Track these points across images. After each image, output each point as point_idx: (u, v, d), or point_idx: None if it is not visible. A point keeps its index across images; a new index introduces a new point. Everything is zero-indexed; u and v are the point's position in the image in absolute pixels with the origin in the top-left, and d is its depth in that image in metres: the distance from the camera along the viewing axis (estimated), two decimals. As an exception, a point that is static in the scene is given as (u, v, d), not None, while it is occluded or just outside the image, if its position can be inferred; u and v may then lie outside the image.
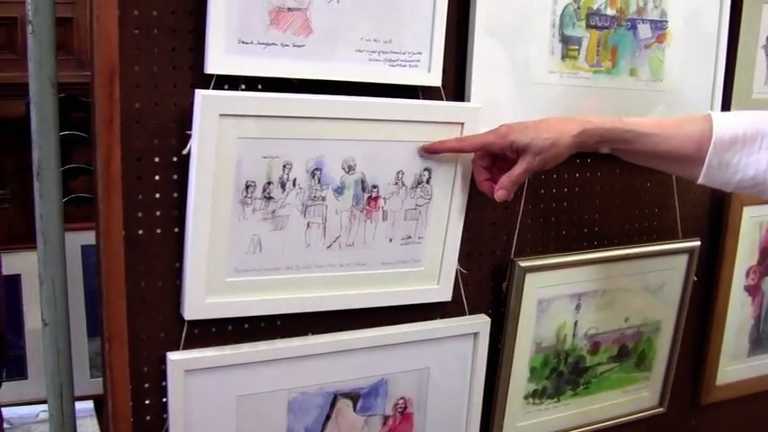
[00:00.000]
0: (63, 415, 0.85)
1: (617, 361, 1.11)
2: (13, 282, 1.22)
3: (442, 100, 0.90)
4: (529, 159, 0.85)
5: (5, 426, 1.18)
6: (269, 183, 0.83)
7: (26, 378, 1.24)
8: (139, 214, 0.81)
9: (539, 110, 0.96)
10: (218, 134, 0.78)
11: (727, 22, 1.06)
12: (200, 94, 0.77)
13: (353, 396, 0.91)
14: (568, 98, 0.98)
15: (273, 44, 0.80)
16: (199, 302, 0.83)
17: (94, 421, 1.18)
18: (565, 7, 0.96)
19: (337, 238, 0.88)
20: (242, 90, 0.80)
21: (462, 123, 0.90)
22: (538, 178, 1.02)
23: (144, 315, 0.82)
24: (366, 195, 0.88)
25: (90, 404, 1.21)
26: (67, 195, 0.99)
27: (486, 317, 1.00)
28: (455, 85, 0.92)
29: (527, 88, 0.96)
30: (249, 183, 0.82)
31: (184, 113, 0.79)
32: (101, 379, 0.82)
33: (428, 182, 0.91)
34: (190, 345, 0.84)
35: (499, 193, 0.86)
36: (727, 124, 0.83)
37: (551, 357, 1.06)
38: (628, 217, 1.08)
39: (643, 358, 1.13)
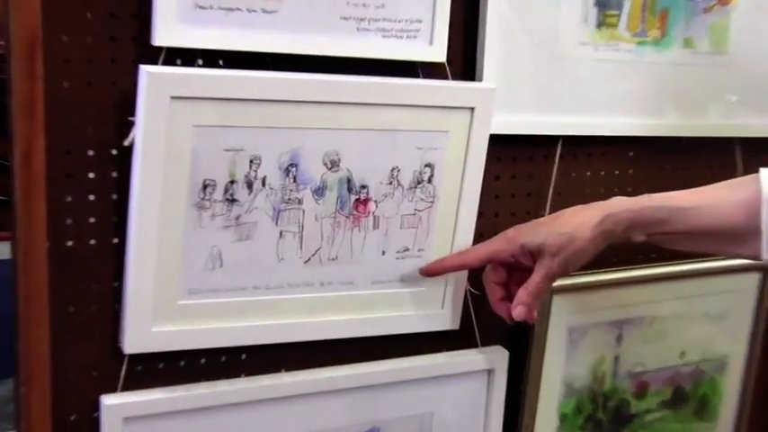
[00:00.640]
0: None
1: (671, 407, 1.12)
2: None
3: (448, 79, 0.91)
4: (546, 263, 0.86)
5: None
6: (232, 182, 0.83)
7: None
8: (68, 221, 0.80)
9: (567, 91, 0.97)
10: (168, 121, 0.77)
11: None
12: (145, 71, 0.76)
13: (338, 450, 0.93)
14: (605, 77, 0.99)
15: (238, 9, 0.79)
16: (143, 332, 0.83)
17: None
18: (600, -39, 0.97)
19: (317, 250, 0.88)
20: (199, 67, 0.80)
21: (472, 109, 0.91)
22: (567, 177, 1.05)
23: (72, 348, 0.82)
24: (353, 198, 0.89)
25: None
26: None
27: (504, 350, 1.01)
28: (463, 60, 0.93)
29: (553, 65, 0.97)
30: (207, 182, 0.82)
31: (126, 96, 0.79)
32: (12, 433, 0.81)
33: (430, 180, 0.92)
34: (131, 385, 0.84)
35: (517, 311, 0.87)
36: None
37: (586, 401, 1.07)
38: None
39: (705, 404, 1.14)
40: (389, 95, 0.86)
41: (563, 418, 1.05)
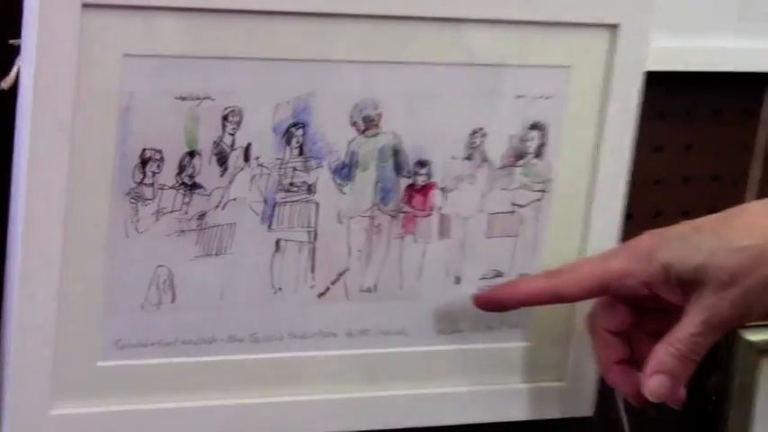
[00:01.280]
0: None
1: None
2: None
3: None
4: (709, 301, 0.82)
5: None
6: (191, 153, 0.80)
7: None
8: None
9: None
10: (79, 46, 0.75)
11: None
12: (37, -43, 0.76)
13: None
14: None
15: None
16: (34, 417, 0.80)
17: None
18: None
19: (341, 275, 0.86)
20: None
21: (614, 26, 0.88)
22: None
23: None
24: (404, 183, 0.86)
25: None
26: None
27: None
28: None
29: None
30: (149, 154, 0.79)
31: (1, 2, 0.77)
32: None
33: (539, 153, 0.89)
34: None
35: (653, 384, 0.83)
36: None
37: None
38: None
39: None
40: (469, 4, 0.84)
41: None
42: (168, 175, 0.79)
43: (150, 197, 0.79)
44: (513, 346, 0.92)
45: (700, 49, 0.97)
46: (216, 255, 0.82)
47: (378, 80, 0.83)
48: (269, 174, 0.82)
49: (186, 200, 0.80)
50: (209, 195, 0.80)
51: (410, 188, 0.86)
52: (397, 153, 0.85)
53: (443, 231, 0.87)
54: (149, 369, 0.82)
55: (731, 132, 1.03)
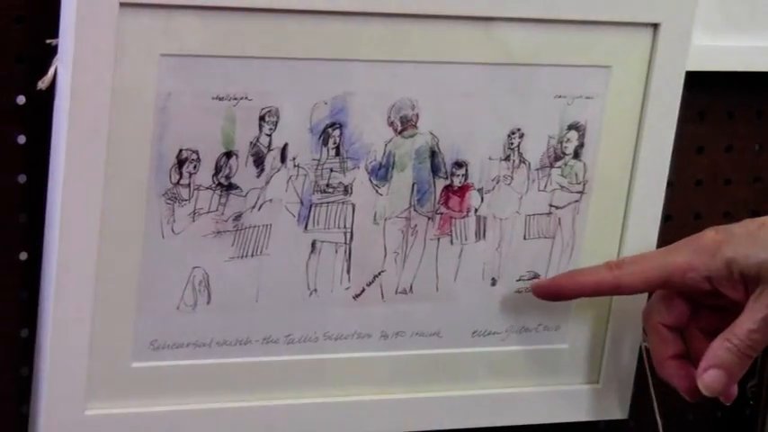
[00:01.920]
0: None
1: None
2: None
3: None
4: None
5: None
6: (228, 154, 0.80)
7: None
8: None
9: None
10: (117, 46, 0.75)
11: None
12: (76, -42, 0.76)
13: None
14: None
15: None
16: (69, 417, 0.80)
17: None
18: None
19: (377, 276, 0.86)
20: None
21: (655, 26, 0.88)
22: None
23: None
24: (441, 184, 0.86)
25: None
26: None
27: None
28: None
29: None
30: (185, 154, 0.79)
31: (41, 4, 0.77)
32: None
33: (577, 154, 0.89)
34: None
35: (708, 378, 0.83)
36: None
37: None
38: None
39: None
40: (508, 2, 0.84)
41: None
42: (205, 175, 0.79)
43: (186, 198, 0.79)
44: (548, 348, 0.92)
45: (741, 49, 0.97)
46: (252, 256, 0.82)
47: (415, 80, 0.83)
48: (305, 174, 0.82)
49: (222, 200, 0.80)
50: (245, 196, 0.80)
51: (447, 189, 0.85)
52: (434, 154, 0.85)
53: (480, 233, 0.87)
54: (184, 370, 0.82)
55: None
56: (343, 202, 0.83)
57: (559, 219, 0.89)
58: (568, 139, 0.88)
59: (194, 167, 0.79)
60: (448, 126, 0.85)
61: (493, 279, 0.88)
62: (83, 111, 0.75)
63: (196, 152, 0.79)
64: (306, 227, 0.83)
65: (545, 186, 0.88)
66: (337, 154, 0.82)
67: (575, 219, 0.90)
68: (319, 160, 0.82)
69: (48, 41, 0.76)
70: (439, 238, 0.86)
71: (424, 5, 0.81)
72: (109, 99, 0.75)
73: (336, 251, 0.84)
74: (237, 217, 0.81)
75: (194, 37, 0.77)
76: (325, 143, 0.82)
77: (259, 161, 0.81)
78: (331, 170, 0.82)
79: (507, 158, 0.86)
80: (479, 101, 0.85)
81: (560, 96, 0.87)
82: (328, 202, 0.83)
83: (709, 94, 0.97)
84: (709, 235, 0.85)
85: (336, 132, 0.82)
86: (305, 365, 0.85)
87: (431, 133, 0.84)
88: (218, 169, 0.79)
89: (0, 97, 0.78)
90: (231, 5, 0.77)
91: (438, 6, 0.82)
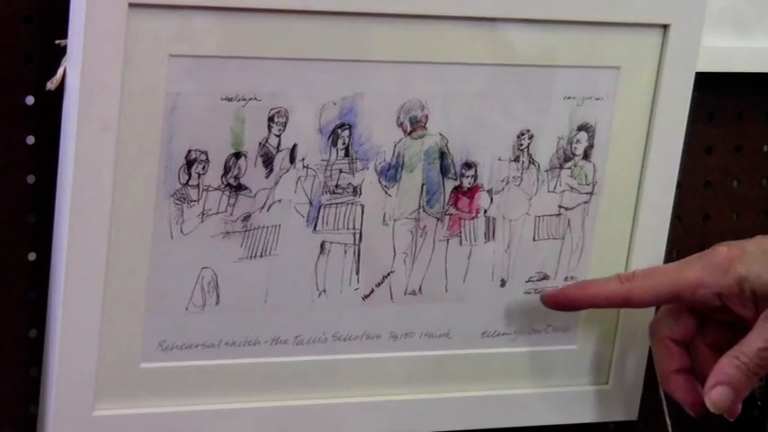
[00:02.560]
0: None
1: None
2: None
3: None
4: None
5: None
6: (237, 155, 0.80)
7: None
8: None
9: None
10: (125, 46, 0.75)
11: None
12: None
13: None
14: None
15: None
16: (77, 418, 0.81)
17: None
18: None
19: (386, 277, 0.86)
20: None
21: (665, 27, 0.88)
22: None
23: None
24: (450, 185, 0.86)
25: None
26: None
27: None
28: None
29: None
30: (194, 155, 0.79)
31: (48, 2, 0.78)
32: None
33: (587, 156, 0.89)
34: None
35: (715, 395, 0.83)
36: None
37: None
38: None
39: None
40: (519, 5, 0.84)
41: None
42: (214, 176, 0.79)
43: (195, 198, 0.79)
44: (558, 349, 0.92)
45: (751, 50, 0.97)
46: (260, 256, 0.82)
47: (425, 81, 0.83)
48: (314, 175, 0.82)
49: (231, 201, 0.80)
50: (254, 197, 0.81)
51: (456, 190, 0.86)
52: (443, 155, 0.85)
53: (489, 234, 0.87)
54: (193, 371, 0.82)
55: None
56: (352, 203, 0.84)
57: (569, 220, 0.89)
58: (578, 141, 0.88)
59: (203, 168, 0.79)
60: (457, 127, 0.85)
61: (502, 280, 0.88)
62: (92, 111, 0.75)
63: (205, 153, 0.79)
64: (315, 228, 0.83)
65: (554, 187, 0.88)
66: (346, 155, 0.82)
67: (584, 220, 0.90)
68: (328, 161, 0.82)
69: (57, 42, 0.76)
70: (448, 239, 0.86)
71: (434, 6, 0.81)
72: (118, 100, 0.75)
73: (345, 252, 0.84)
74: (246, 218, 0.81)
75: (203, 38, 0.77)
76: (335, 144, 0.82)
77: (268, 162, 0.81)
78: (340, 171, 0.82)
79: (517, 159, 0.87)
80: (489, 102, 0.85)
81: (570, 97, 0.87)
82: (337, 203, 0.83)
83: (718, 95, 0.97)
84: (722, 251, 0.85)
85: (345, 133, 0.82)
86: (314, 366, 0.85)
87: (440, 134, 0.84)
88: (227, 170, 0.80)
89: (9, 98, 0.78)
90: (240, 6, 0.77)
91: (447, 7, 0.82)
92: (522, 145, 0.86)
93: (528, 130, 0.86)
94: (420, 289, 0.86)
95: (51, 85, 0.76)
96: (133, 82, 0.76)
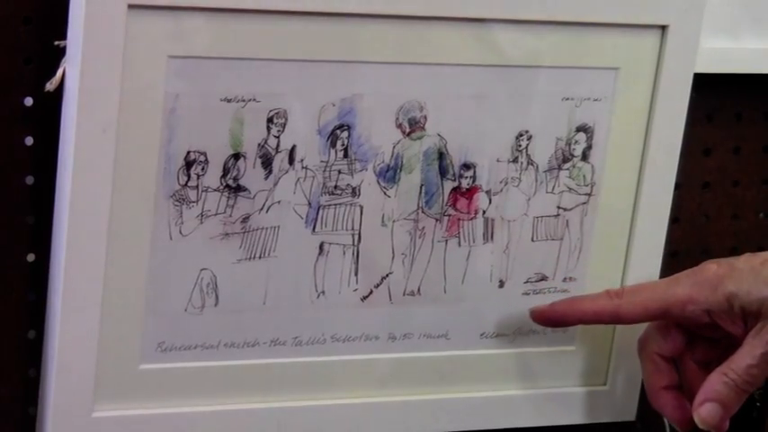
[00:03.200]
0: None
1: None
2: None
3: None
4: None
5: None
6: (236, 156, 0.80)
7: None
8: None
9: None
10: (124, 47, 0.75)
11: None
12: (84, -40, 0.76)
13: None
14: None
15: None
16: (77, 419, 0.81)
17: None
18: None
19: (385, 278, 0.87)
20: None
21: (663, 27, 0.88)
22: None
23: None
24: (449, 186, 0.86)
25: None
26: None
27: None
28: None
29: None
30: (194, 156, 0.80)
31: (49, 4, 0.77)
32: None
33: (585, 156, 0.90)
34: None
35: (704, 411, 0.83)
36: None
37: None
38: None
39: None
40: (518, 5, 0.84)
41: None
42: (213, 177, 0.79)
43: (194, 200, 0.79)
44: (556, 350, 0.91)
45: (749, 51, 0.96)
46: (259, 258, 0.82)
47: (423, 82, 0.83)
48: (313, 176, 0.82)
49: (230, 202, 0.80)
50: (253, 198, 0.81)
51: (455, 191, 0.86)
52: (442, 155, 0.85)
53: (488, 235, 0.87)
54: (192, 372, 0.82)
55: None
56: (350, 204, 0.84)
57: (567, 221, 0.89)
58: (576, 141, 0.88)
59: (202, 169, 0.79)
60: (456, 128, 0.85)
61: (501, 281, 0.88)
62: (91, 112, 0.75)
63: (204, 154, 0.79)
64: (314, 229, 0.83)
65: (553, 188, 0.88)
66: (345, 156, 0.82)
67: (582, 221, 0.90)
68: (327, 162, 0.82)
69: (56, 43, 0.76)
70: (447, 240, 0.86)
71: (433, 8, 0.81)
72: (117, 101, 0.75)
73: (344, 253, 0.84)
74: (245, 219, 0.81)
75: (202, 39, 0.77)
76: (333, 145, 0.82)
77: (267, 163, 0.81)
78: (339, 172, 0.82)
79: (515, 160, 0.86)
80: (488, 103, 0.85)
81: (568, 98, 0.87)
82: (336, 204, 0.83)
83: (717, 96, 0.97)
84: (711, 268, 0.85)
85: (344, 134, 0.82)
86: (312, 367, 0.85)
87: (439, 135, 0.84)
88: (226, 171, 0.80)
89: (8, 99, 0.78)
90: (239, 7, 0.77)
91: (446, 9, 0.82)
92: (520, 146, 0.86)
93: (526, 131, 0.86)
94: (419, 290, 0.86)
95: (50, 86, 0.76)
96: (132, 83, 0.76)
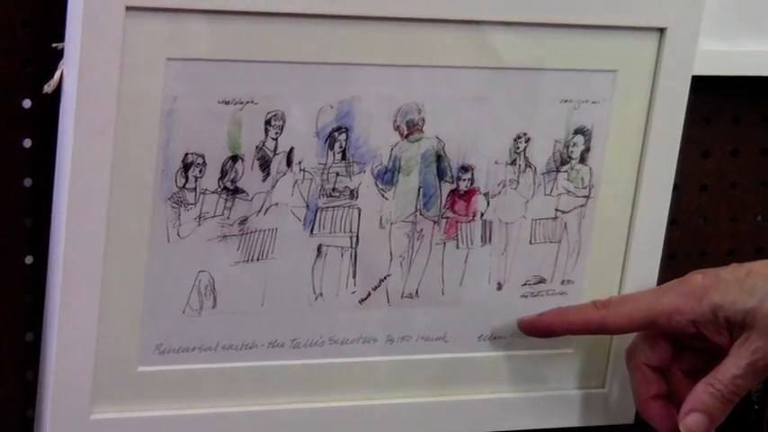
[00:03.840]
0: None
1: None
2: None
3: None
4: (756, 345, 0.82)
5: None
6: (234, 158, 0.81)
7: None
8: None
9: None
10: (122, 49, 0.75)
11: None
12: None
13: None
14: None
15: None
16: (75, 422, 0.81)
17: None
18: None
19: (383, 280, 0.86)
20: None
21: (661, 30, 0.88)
22: None
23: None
24: (447, 188, 0.86)
25: None
26: None
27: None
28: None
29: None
30: (191, 158, 0.80)
31: (46, 6, 0.77)
32: None
33: (583, 159, 0.90)
34: None
35: (690, 421, 0.84)
36: None
37: None
38: None
39: None
40: (515, 8, 0.84)
41: None
42: (210, 179, 0.79)
43: (192, 202, 0.79)
44: (554, 353, 0.91)
45: (747, 53, 0.97)
46: (257, 260, 0.82)
47: (421, 84, 0.83)
48: (311, 179, 0.82)
49: (228, 205, 0.80)
50: (251, 200, 0.81)
51: (453, 193, 0.86)
52: (440, 158, 0.85)
53: (486, 237, 0.87)
54: (190, 374, 0.82)
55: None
56: (348, 207, 0.84)
57: (565, 223, 0.89)
58: (575, 144, 0.88)
59: (200, 171, 0.79)
60: (454, 130, 0.85)
61: (499, 283, 0.88)
62: (89, 115, 0.75)
63: (202, 156, 0.79)
64: (312, 231, 0.83)
65: (551, 191, 0.88)
66: (343, 158, 0.82)
67: (581, 223, 0.90)
68: (325, 164, 0.82)
69: (54, 45, 0.76)
70: (445, 243, 0.86)
71: (430, 10, 0.81)
72: (115, 103, 0.75)
73: (342, 255, 0.84)
74: (243, 221, 0.81)
75: (200, 41, 0.77)
76: (331, 147, 0.82)
77: (265, 165, 0.81)
78: (337, 174, 0.83)
79: (513, 163, 0.87)
80: (486, 105, 0.85)
81: (566, 101, 0.87)
82: (334, 207, 0.83)
83: (715, 99, 0.97)
84: (697, 279, 0.85)
85: (342, 136, 0.82)
86: (311, 370, 0.85)
87: (437, 137, 0.84)
88: (223, 173, 0.80)
89: (6, 101, 0.78)
90: (237, 10, 0.77)
91: (443, 11, 0.82)
92: (518, 148, 0.86)
93: (524, 134, 0.86)
94: (417, 292, 0.87)
95: (48, 88, 0.76)
96: (130, 85, 0.76)
